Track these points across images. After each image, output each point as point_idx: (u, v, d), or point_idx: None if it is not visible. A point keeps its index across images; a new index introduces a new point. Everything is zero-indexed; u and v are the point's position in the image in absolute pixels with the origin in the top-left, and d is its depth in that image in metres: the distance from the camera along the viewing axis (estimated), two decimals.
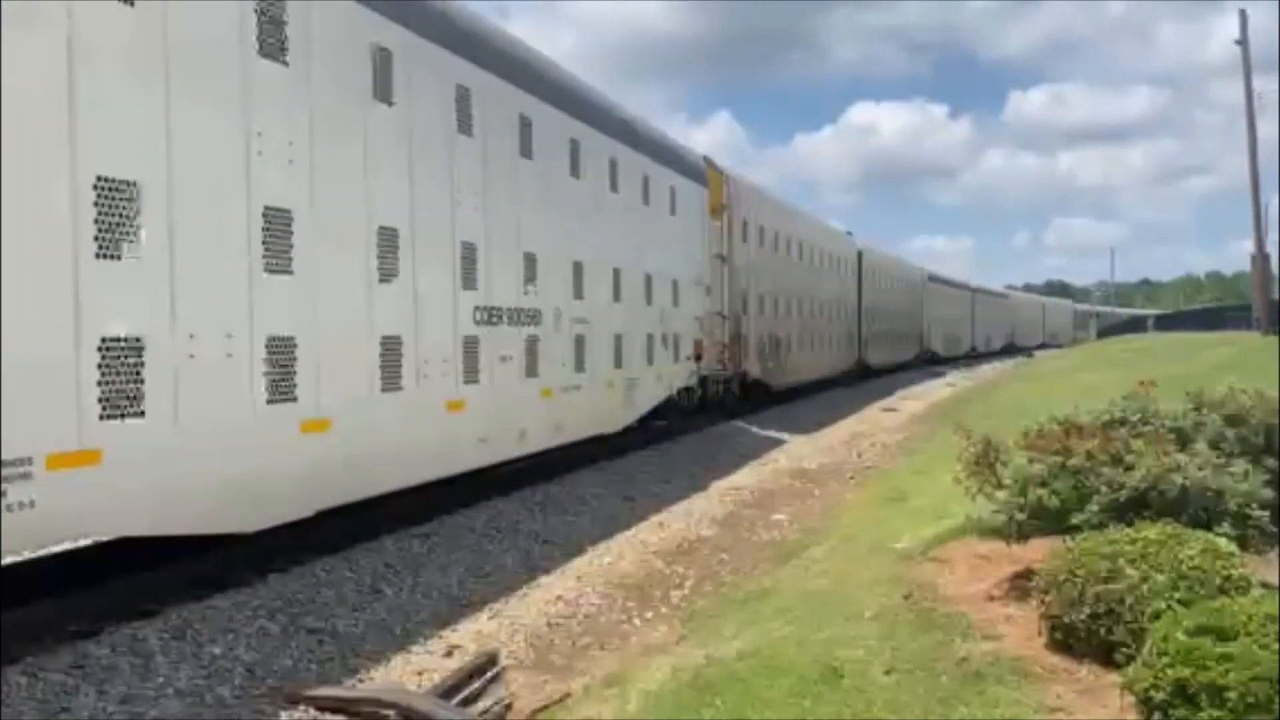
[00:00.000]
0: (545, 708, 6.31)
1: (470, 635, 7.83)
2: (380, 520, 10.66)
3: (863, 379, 38.88)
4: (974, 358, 64.01)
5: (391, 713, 6.07)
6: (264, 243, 8.23)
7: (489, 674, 6.81)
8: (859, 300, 38.79)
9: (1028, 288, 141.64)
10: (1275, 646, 4.25)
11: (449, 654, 7.36)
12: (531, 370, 13.11)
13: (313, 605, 8.21)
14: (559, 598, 8.82)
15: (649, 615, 8.40)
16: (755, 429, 22.42)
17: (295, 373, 8.53)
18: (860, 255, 39.80)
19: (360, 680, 6.86)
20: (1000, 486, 6.99)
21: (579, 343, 14.65)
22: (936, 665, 5.64)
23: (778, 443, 20.46)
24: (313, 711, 6.25)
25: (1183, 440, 7.18)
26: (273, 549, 9.24)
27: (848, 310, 36.98)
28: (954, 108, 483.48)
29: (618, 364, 16.23)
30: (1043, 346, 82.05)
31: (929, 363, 52.53)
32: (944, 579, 7.34)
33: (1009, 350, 74.76)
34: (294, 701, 6.33)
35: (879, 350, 42.24)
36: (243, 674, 6.79)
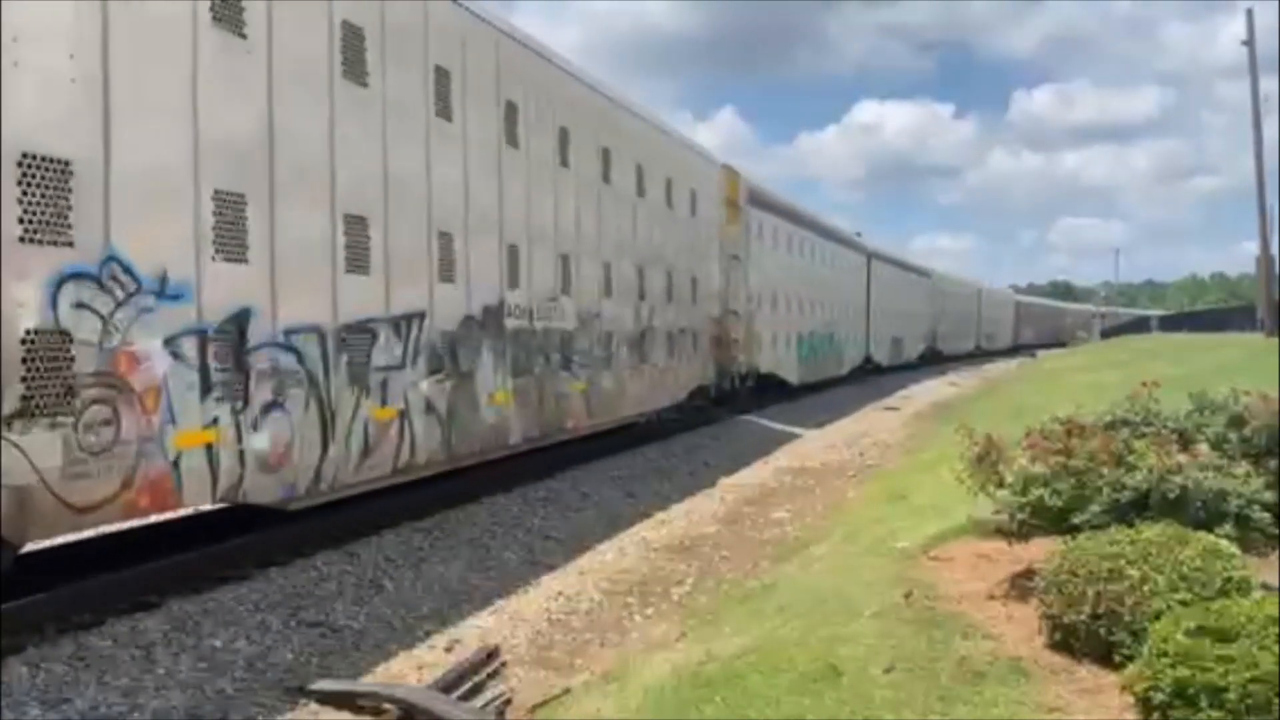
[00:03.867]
0: (545, 703, 6.32)
1: (471, 630, 7.84)
2: (381, 514, 10.68)
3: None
4: (872, 373, 39.73)
5: (392, 707, 6.08)
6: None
7: (489, 669, 6.83)
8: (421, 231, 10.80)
9: (1031, 288, 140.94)
10: (1275, 648, 4.25)
11: (450, 649, 7.37)
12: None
13: (313, 599, 8.22)
14: (560, 594, 8.83)
15: (649, 612, 8.41)
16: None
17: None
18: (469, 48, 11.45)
19: (361, 675, 6.87)
20: (1002, 486, 6.99)
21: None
22: (936, 664, 5.63)
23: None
24: (313, 705, 6.26)
25: (1185, 442, 7.18)
26: (274, 542, 9.27)
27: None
28: (959, 107, 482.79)
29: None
30: (976, 355, 61.46)
31: (751, 403, 24.65)
32: (944, 578, 7.34)
33: (930, 360, 50.74)
34: (295, 696, 6.35)
35: (537, 406, 13.54)
36: (243, 667, 6.81)
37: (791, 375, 29.32)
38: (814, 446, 19.59)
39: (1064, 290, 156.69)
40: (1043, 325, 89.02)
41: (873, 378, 38.61)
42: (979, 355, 61.72)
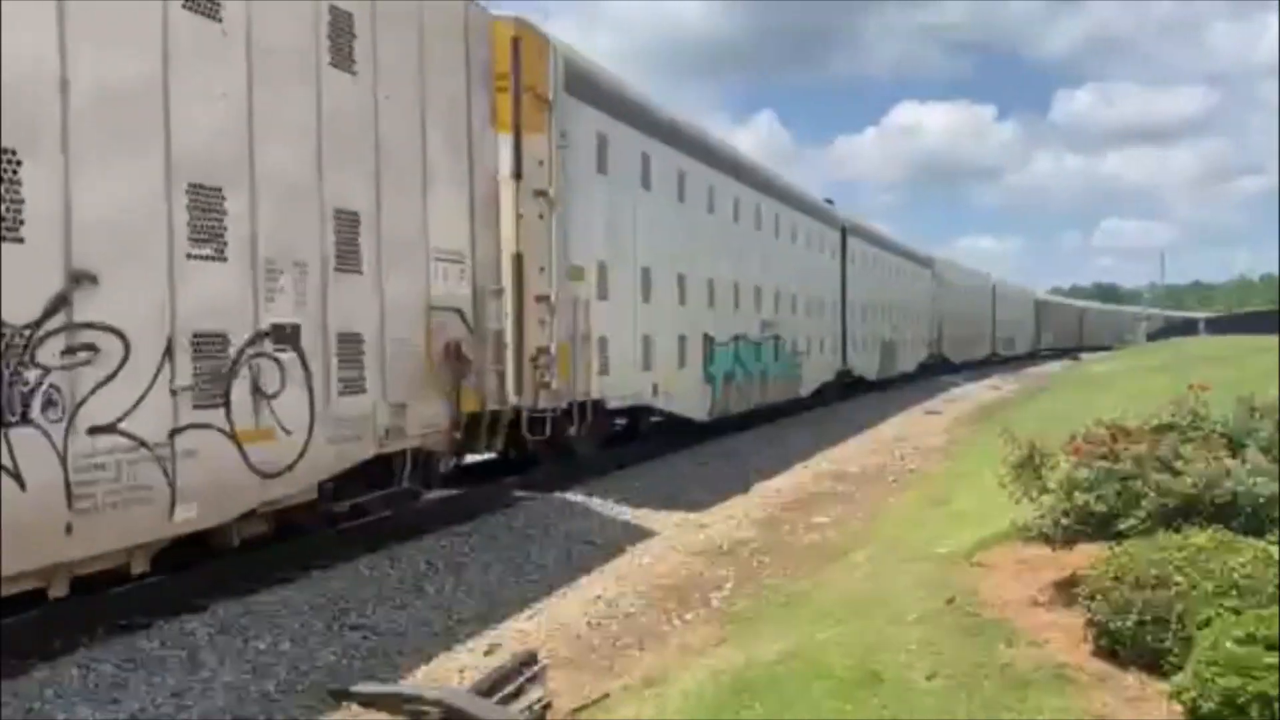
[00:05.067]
0: (584, 707, 6.33)
1: (510, 634, 7.88)
2: (421, 518, 10.77)
3: None
4: (852, 391, 30.14)
5: (433, 710, 6.12)
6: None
7: (529, 672, 6.85)
8: None
9: (1075, 290, 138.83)
10: None
11: (489, 652, 7.41)
12: None
13: (355, 602, 8.30)
14: (598, 598, 8.84)
15: (688, 617, 8.40)
16: None
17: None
18: None
19: (402, 677, 6.93)
20: (1045, 491, 6.92)
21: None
22: (980, 671, 5.58)
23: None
24: (355, 708, 6.32)
25: (1234, 446, 7.05)
26: (317, 545, 9.37)
27: None
28: (1001, 108, 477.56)
29: None
30: (991, 363, 52.70)
31: (593, 464, 14.85)
32: (987, 584, 7.27)
33: (934, 370, 41.61)
34: (337, 698, 6.41)
35: None
36: (287, 669, 6.89)
37: (694, 408, 18.39)
38: (858, 449, 19.34)
39: (1109, 292, 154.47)
40: (1067, 328, 78.61)
41: (860, 397, 29.50)
42: (994, 363, 52.74)
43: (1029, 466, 7.02)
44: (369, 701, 6.33)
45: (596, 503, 12.91)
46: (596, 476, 14.30)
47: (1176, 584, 5.36)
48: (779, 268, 23.74)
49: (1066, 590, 6.56)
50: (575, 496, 13.08)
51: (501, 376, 11.92)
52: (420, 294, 10.33)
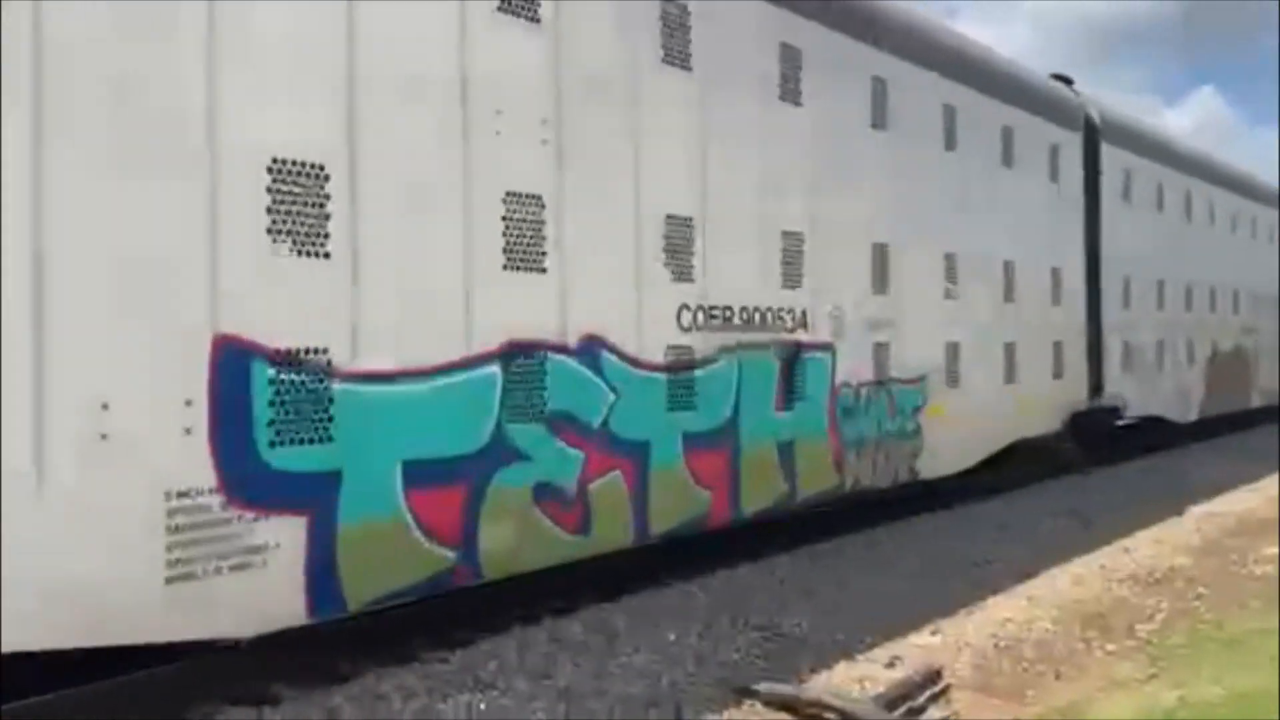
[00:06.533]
0: None
1: (912, 648, 7.69)
2: (830, 523, 10.86)
3: None
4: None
5: (834, 716, 6.12)
6: None
7: (932, 690, 6.65)
8: None
9: None
10: None
11: (890, 664, 7.28)
12: None
13: (760, 601, 8.52)
14: (1007, 620, 8.39)
15: (1111, 647, 7.73)
16: None
17: None
18: None
19: (801, 680, 7.00)
20: None
21: None
22: None
23: None
24: (758, 706, 6.47)
25: None
26: (727, 545, 9.77)
27: None
28: None
29: None
30: None
31: None
32: None
33: None
34: (740, 695, 6.60)
35: None
36: (693, 661, 7.20)
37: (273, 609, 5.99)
38: None
39: None
40: None
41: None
42: None
43: None
44: (771, 703, 6.46)
45: None
46: None
47: None
48: (874, 187, 11.43)
49: None
50: None
51: None
52: None
